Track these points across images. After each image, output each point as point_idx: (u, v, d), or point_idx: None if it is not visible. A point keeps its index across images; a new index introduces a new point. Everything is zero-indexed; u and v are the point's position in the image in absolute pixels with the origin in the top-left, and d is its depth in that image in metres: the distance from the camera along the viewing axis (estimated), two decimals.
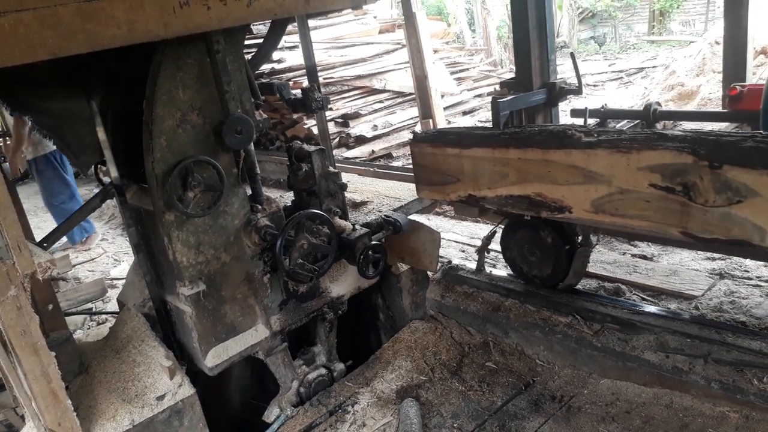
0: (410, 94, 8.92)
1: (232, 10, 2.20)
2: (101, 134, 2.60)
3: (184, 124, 2.40)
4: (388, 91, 9.15)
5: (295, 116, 8.05)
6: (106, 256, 6.12)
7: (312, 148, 3.02)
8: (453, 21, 17.44)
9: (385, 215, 3.16)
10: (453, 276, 3.55)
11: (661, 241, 3.66)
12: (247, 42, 3.02)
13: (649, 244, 3.88)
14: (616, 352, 2.73)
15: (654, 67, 12.36)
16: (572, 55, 3.98)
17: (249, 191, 2.73)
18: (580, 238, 3.07)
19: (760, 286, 3.26)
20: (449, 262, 3.73)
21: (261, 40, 3.04)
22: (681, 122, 3.68)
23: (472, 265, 3.65)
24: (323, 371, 3.14)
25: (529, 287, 3.26)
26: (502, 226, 3.32)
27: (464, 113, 9.91)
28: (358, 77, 8.91)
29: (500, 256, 3.51)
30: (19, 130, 5.39)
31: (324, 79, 8.41)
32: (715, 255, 3.61)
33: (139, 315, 2.90)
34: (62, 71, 2.37)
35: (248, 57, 2.84)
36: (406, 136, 8.49)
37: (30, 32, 1.78)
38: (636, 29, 19.00)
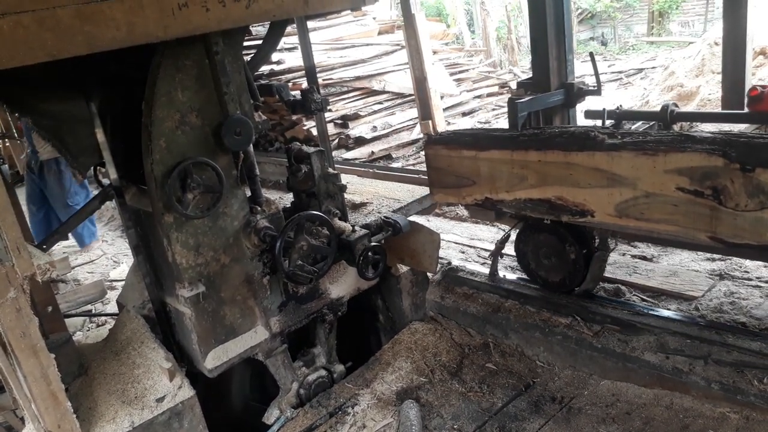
0: (409, 95, 8.91)
1: (231, 11, 2.20)
2: (100, 136, 2.60)
3: (183, 125, 2.40)
4: (388, 92, 9.15)
5: (294, 117, 8.04)
6: (106, 257, 6.12)
7: (311, 149, 3.02)
8: (452, 22, 17.46)
9: (384, 216, 3.16)
10: (453, 277, 3.54)
11: (662, 242, 3.65)
12: (246, 43, 3.02)
13: (649, 245, 3.88)
14: (616, 353, 2.73)
15: (653, 68, 12.38)
16: (591, 55, 3.94)
17: (248, 193, 2.73)
18: (597, 242, 3.04)
19: (760, 286, 3.26)
20: (449, 263, 3.73)
21: (260, 42, 3.04)
22: (698, 123, 3.64)
23: (472, 267, 3.65)
24: (323, 373, 3.14)
25: (529, 288, 3.26)
26: (508, 229, 3.30)
27: (464, 114, 9.90)
28: (358, 78, 8.90)
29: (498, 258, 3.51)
30: None
31: (323, 80, 8.40)
32: (715, 256, 3.61)
33: (138, 317, 2.89)
34: (61, 73, 2.36)
35: (247, 58, 2.84)
36: (406, 137, 8.50)
37: (29, 34, 1.78)
38: (635, 30, 19.01)
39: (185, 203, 2.42)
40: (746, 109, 3.35)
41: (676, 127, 3.59)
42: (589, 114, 3.90)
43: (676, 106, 3.67)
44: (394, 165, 7.52)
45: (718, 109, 5.16)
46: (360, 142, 8.28)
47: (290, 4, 2.39)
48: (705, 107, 6.82)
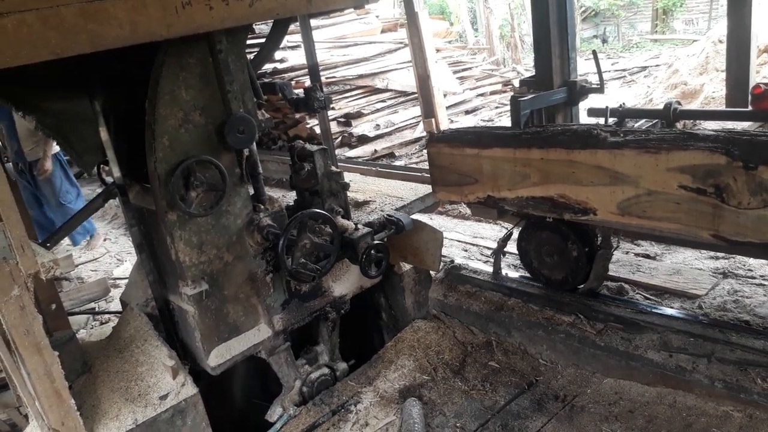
0: (412, 93, 8.91)
1: (235, 10, 2.20)
2: (104, 134, 2.60)
3: (187, 123, 2.40)
4: (391, 90, 9.14)
5: (297, 116, 8.04)
6: (109, 255, 6.13)
7: (314, 147, 3.02)
8: (455, 20, 17.42)
9: (387, 215, 3.16)
10: (456, 275, 3.54)
11: (665, 240, 3.65)
12: (249, 42, 3.02)
13: (653, 243, 3.87)
14: (620, 352, 2.73)
15: (657, 65, 12.33)
16: (594, 53, 3.94)
17: (251, 191, 2.73)
18: (599, 239, 3.03)
19: (764, 285, 3.25)
20: (452, 261, 3.72)
21: (263, 40, 3.04)
22: (700, 121, 3.63)
23: (475, 265, 3.64)
24: (326, 371, 3.14)
25: (532, 287, 3.25)
26: (510, 228, 3.30)
27: (467, 112, 9.89)
28: (361, 77, 8.90)
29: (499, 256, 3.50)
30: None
31: (326, 78, 8.40)
32: (719, 254, 3.60)
33: (142, 315, 2.90)
34: (65, 72, 2.37)
35: (250, 57, 2.84)
36: (409, 135, 8.49)
37: (33, 32, 1.78)
38: (639, 28, 18.96)
39: (188, 201, 2.43)
40: (750, 107, 3.34)
41: (678, 125, 3.58)
42: (592, 112, 3.90)
43: (679, 104, 3.66)
44: (397, 163, 7.52)
45: (722, 107, 5.15)
46: (363, 140, 8.28)
47: (294, 2, 2.39)
48: (709, 105, 6.80)
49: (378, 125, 8.50)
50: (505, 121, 8.53)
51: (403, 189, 5.27)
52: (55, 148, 5.62)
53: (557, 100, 3.83)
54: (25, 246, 1.93)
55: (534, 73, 4.02)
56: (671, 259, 3.72)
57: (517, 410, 2.72)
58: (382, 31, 10.14)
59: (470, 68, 11.03)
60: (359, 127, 8.45)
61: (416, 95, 8.57)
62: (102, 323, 4.52)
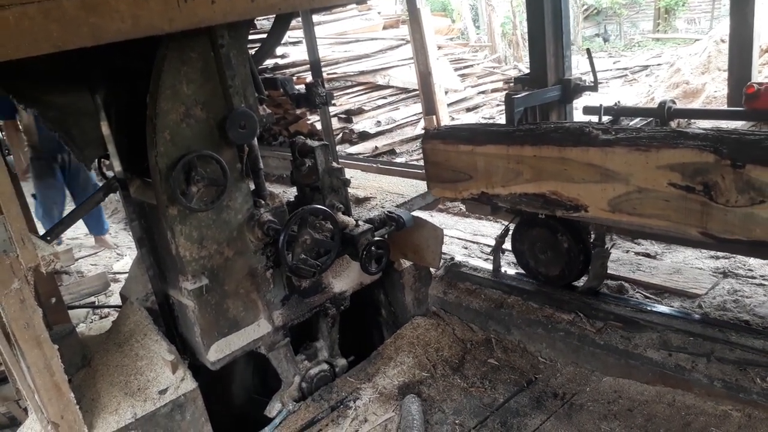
0: (414, 90, 8.91)
1: (237, 4, 2.19)
2: (105, 128, 2.60)
3: (188, 118, 2.40)
4: (392, 87, 9.14)
5: (298, 111, 8.04)
6: (109, 250, 6.13)
7: (315, 143, 3.01)
8: (457, 17, 17.40)
9: (388, 211, 3.16)
10: (456, 272, 3.55)
11: (666, 239, 3.65)
12: (251, 37, 3.01)
13: (653, 242, 3.87)
14: (619, 350, 2.73)
15: (659, 64, 12.32)
16: (588, 51, 3.95)
17: (252, 186, 2.73)
18: (592, 237, 3.04)
19: (764, 284, 3.25)
20: (452, 258, 3.73)
21: (265, 35, 3.03)
22: (695, 120, 3.63)
23: (475, 262, 3.64)
24: (325, 367, 3.14)
25: (532, 284, 3.25)
26: (510, 225, 3.30)
27: (468, 110, 9.88)
28: (362, 73, 8.89)
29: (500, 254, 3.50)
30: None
31: (327, 74, 8.40)
32: (719, 254, 3.60)
33: (141, 309, 2.90)
34: (67, 65, 2.37)
35: (252, 52, 2.84)
36: (410, 132, 8.49)
37: (34, 25, 1.78)
38: (641, 27, 18.95)
39: (189, 196, 2.43)
40: (743, 107, 3.34)
41: (673, 124, 3.60)
42: (587, 110, 3.91)
43: (674, 102, 3.67)
44: (398, 160, 7.52)
45: (724, 107, 5.15)
46: (364, 136, 8.28)
47: None
48: (711, 104, 6.79)
49: (379, 122, 8.50)
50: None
51: (403, 186, 5.27)
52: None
53: (551, 97, 3.83)
54: (26, 239, 1.93)
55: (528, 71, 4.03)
56: (671, 258, 3.73)
57: (516, 408, 2.72)
58: (384, 28, 10.13)
59: (472, 66, 11.02)
60: (360, 124, 8.45)
61: (417, 92, 8.57)
62: (102, 317, 4.52)
